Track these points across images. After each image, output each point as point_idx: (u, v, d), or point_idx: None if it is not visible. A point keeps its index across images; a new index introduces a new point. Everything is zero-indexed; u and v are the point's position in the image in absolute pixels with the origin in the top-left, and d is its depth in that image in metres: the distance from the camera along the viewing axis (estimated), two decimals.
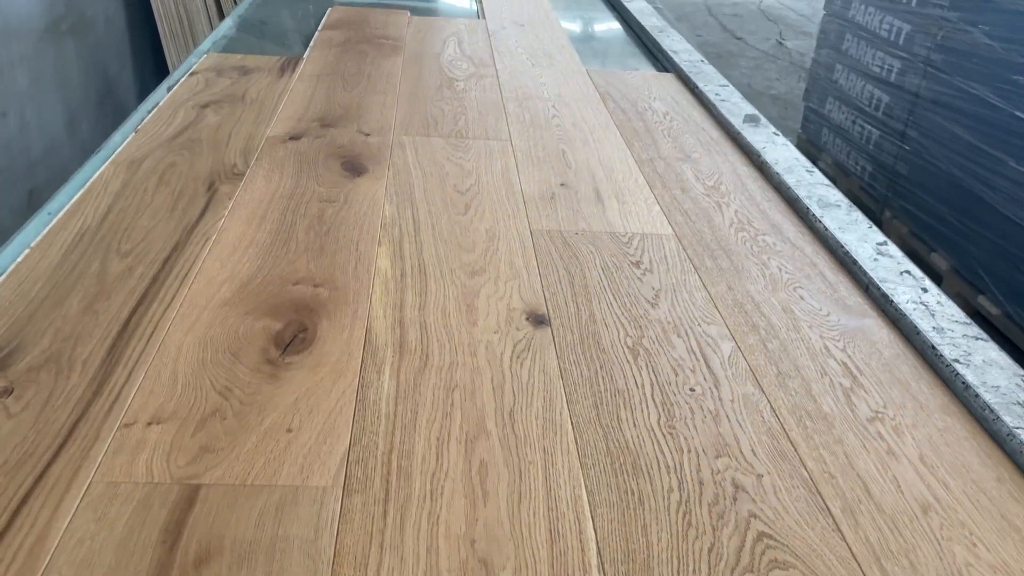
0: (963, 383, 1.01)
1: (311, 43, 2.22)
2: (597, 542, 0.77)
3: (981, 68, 3.10)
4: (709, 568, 0.75)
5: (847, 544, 0.79)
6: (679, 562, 0.75)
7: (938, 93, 3.34)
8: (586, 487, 0.83)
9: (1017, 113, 2.90)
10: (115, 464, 0.81)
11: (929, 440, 0.93)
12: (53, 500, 0.77)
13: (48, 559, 0.71)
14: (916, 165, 3.46)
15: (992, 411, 0.96)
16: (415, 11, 2.63)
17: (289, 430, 0.87)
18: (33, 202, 3.00)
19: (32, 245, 1.19)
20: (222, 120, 1.66)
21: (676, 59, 2.26)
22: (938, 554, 0.78)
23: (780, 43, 7.05)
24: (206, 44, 2.20)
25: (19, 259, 1.16)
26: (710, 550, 0.77)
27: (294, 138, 1.61)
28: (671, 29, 2.59)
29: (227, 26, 2.40)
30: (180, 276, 1.13)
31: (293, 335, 1.03)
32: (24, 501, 0.77)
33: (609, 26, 2.79)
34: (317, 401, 0.92)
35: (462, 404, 0.93)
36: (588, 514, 0.80)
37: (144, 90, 4.03)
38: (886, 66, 3.71)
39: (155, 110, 1.70)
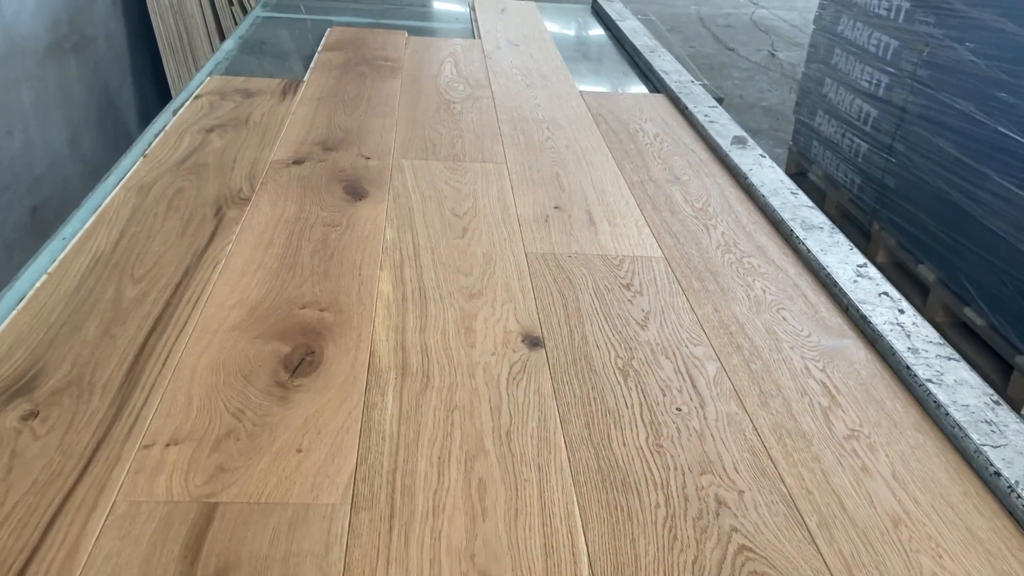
0: (935, 402, 1.07)
1: (311, 65, 2.28)
2: (589, 555, 0.83)
3: (966, 84, 3.17)
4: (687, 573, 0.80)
5: (822, 556, 0.84)
6: (665, 574, 0.81)
7: (924, 108, 3.41)
8: (578, 503, 0.89)
9: (1000, 128, 2.97)
10: (137, 484, 0.87)
11: (901, 457, 0.99)
12: (80, 519, 0.82)
13: (79, 574, 0.77)
14: (903, 178, 3.53)
15: (961, 428, 1.02)
16: (412, 31, 2.69)
17: (299, 450, 0.93)
18: (37, 218, 3.05)
19: (49, 271, 1.24)
20: (227, 144, 1.72)
21: (667, 80, 2.32)
22: (906, 565, 0.84)
23: (772, 54, 7.13)
24: (209, 66, 2.26)
25: (37, 285, 1.21)
26: (694, 562, 0.82)
27: (297, 162, 1.66)
28: (662, 49, 2.65)
29: (228, 47, 2.46)
30: (192, 301, 1.18)
31: (301, 358, 1.08)
32: (54, 519, 0.82)
33: (602, 45, 2.85)
34: (325, 422, 0.97)
35: (462, 424, 0.99)
36: (580, 529, 0.85)
37: (144, 105, 4.09)
38: (874, 81, 3.78)
39: (161, 134, 1.76)
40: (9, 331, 1.10)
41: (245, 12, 4.12)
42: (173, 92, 4.06)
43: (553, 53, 2.58)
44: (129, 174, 1.57)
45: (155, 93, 4.21)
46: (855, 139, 3.93)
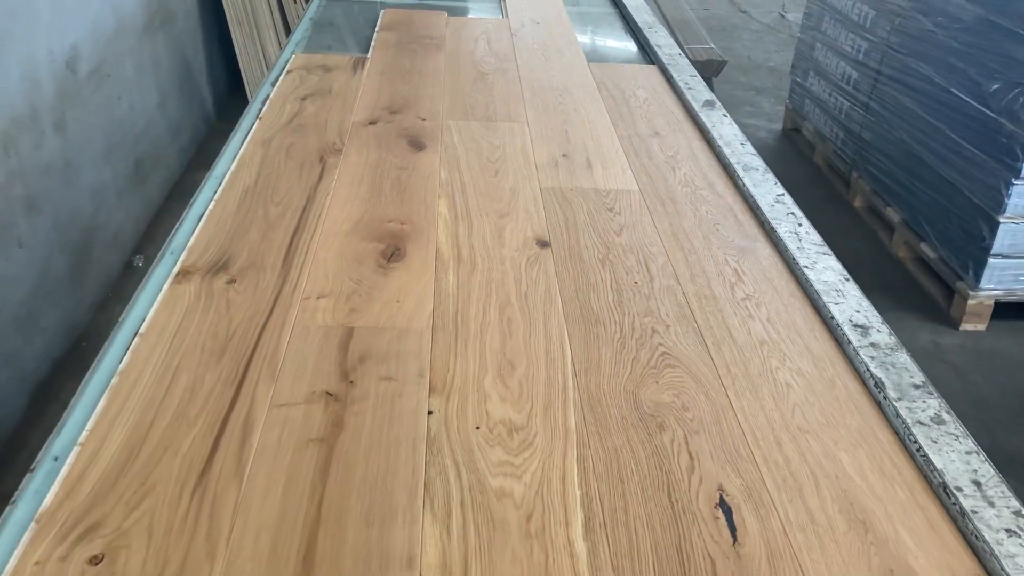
0: (805, 279, 1.63)
1: (372, 44, 2.84)
2: (572, 356, 1.40)
3: (927, 51, 3.67)
4: (631, 366, 1.38)
5: (711, 358, 1.42)
6: (615, 363, 1.39)
7: (895, 71, 3.91)
8: (567, 331, 1.46)
9: (952, 89, 3.48)
10: (304, 317, 1.46)
11: (776, 310, 1.56)
12: (275, 334, 1.42)
13: (282, 358, 1.36)
14: (877, 132, 4.04)
15: (818, 294, 1.58)
16: (451, 11, 3.24)
17: (398, 301, 1.51)
18: (138, 169, 3.66)
19: (215, 199, 1.83)
20: (318, 109, 2.30)
21: (659, 52, 2.86)
22: (762, 364, 1.41)
23: (782, 16, 7.55)
24: (291, 45, 2.83)
25: (210, 208, 1.80)
26: (633, 359, 1.40)
27: (372, 123, 2.24)
28: (658, 24, 3.18)
29: (304, 28, 3.02)
30: (315, 217, 1.77)
31: (392, 252, 1.67)
32: (260, 335, 1.41)
33: (611, 21, 3.38)
34: (411, 288, 1.56)
35: (496, 290, 1.57)
36: (568, 342, 1.43)
37: (213, 72, 4.67)
38: (856, 46, 4.27)
39: (268, 102, 2.34)
40: (202, 235, 1.69)
41: None
42: (240, 61, 4.64)
43: (568, 30, 3.12)
44: (252, 132, 2.15)
45: (222, 62, 4.79)
46: (839, 98, 4.43)
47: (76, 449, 1.18)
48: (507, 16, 3.26)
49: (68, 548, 1.02)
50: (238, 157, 2.02)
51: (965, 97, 3.39)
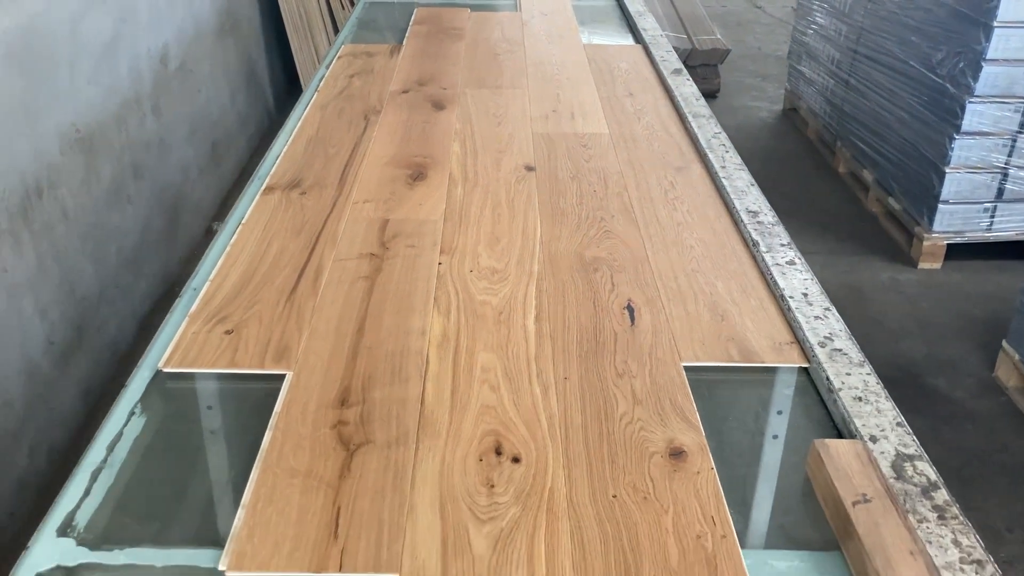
0: (722, 185, 2.20)
1: (407, 34, 3.47)
2: (540, 234, 2.00)
3: (892, 30, 4.19)
4: (581, 239, 1.97)
5: (640, 233, 2.00)
6: (571, 235, 1.98)
7: (868, 49, 4.43)
8: (540, 219, 2.06)
9: (911, 62, 4.00)
10: (355, 213, 2.07)
11: (695, 204, 2.13)
12: (335, 222, 2.03)
13: (340, 235, 1.97)
14: (855, 105, 4.56)
15: (730, 195, 2.15)
16: (473, 8, 3.85)
17: (420, 204, 2.12)
18: (214, 152, 4.33)
19: (288, 143, 2.47)
20: (363, 84, 2.92)
21: (644, 35, 3.44)
22: (676, 234, 1.99)
23: (794, 9, 8.04)
24: (341, 37, 3.46)
25: (283, 149, 2.43)
26: (584, 235, 1.99)
27: (404, 92, 2.86)
28: (648, 13, 3.76)
29: (351, 25, 3.66)
30: (362, 154, 2.39)
31: (417, 175, 2.28)
32: (324, 223, 2.03)
33: (609, 12, 3.96)
34: (430, 196, 2.16)
35: (491, 197, 2.17)
36: (538, 227, 2.02)
37: (273, 71, 5.35)
38: (838, 30, 4.79)
39: (324, 79, 2.97)
40: (280, 167, 2.32)
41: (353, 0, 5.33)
42: (296, 61, 5.31)
43: (571, 19, 3.72)
44: (312, 100, 2.79)
45: (280, 61, 5.47)
46: (826, 77, 4.95)
47: (207, 284, 1.80)
48: (520, 10, 3.86)
49: (210, 327, 1.65)
50: (302, 118, 2.66)
51: (919, 67, 3.90)
